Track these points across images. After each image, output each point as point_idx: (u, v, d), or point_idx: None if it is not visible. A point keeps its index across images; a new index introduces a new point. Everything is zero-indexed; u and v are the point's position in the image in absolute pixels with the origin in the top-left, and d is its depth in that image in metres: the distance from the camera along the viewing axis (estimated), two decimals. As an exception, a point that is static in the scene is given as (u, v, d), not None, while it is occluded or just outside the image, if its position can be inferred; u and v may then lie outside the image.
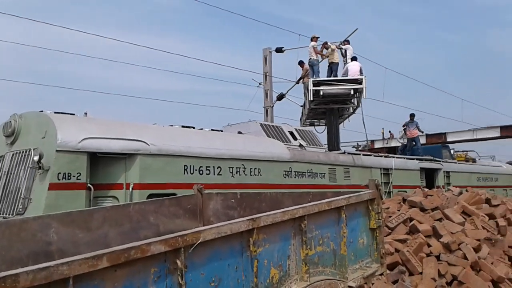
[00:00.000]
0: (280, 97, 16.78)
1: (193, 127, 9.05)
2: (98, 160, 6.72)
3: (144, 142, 7.14)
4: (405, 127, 16.08)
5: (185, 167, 7.63)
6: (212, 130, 9.54)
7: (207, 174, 7.92)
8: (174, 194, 6.44)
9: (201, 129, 9.27)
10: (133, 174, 6.93)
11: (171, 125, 8.93)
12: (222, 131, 10.22)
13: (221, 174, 8.15)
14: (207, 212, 4.94)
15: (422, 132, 16.86)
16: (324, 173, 10.23)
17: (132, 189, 6.82)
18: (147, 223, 4.34)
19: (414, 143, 15.86)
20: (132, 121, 8.23)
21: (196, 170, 7.78)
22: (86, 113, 7.76)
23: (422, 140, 28.74)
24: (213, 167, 8.02)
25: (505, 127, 29.84)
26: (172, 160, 7.47)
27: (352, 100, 13.82)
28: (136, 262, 2.04)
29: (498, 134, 29.80)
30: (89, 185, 6.48)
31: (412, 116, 16.01)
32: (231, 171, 8.31)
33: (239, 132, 10.57)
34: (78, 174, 6.39)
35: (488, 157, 26.00)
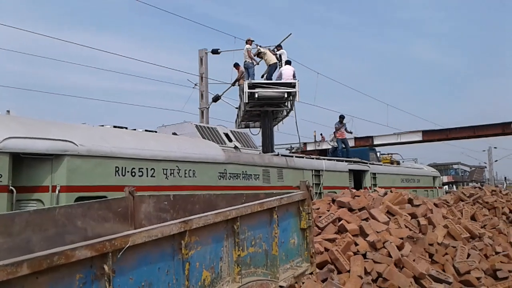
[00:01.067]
0: (216, 98, 16.77)
1: (126, 128, 8.80)
2: (22, 161, 6.32)
3: (72, 143, 6.83)
4: (336, 128, 16.68)
5: (117, 169, 7.39)
6: (146, 131, 9.33)
7: (139, 176, 7.72)
8: (105, 197, 6.22)
9: (134, 129, 9.03)
10: (59, 176, 6.60)
11: (102, 125, 8.62)
12: (156, 132, 10.03)
13: (154, 176, 7.98)
14: (138, 215, 4.83)
15: (351, 133, 17.55)
16: (258, 175, 10.36)
17: (59, 192, 6.49)
18: (74, 228, 4.16)
19: (344, 145, 16.50)
20: (61, 121, 7.85)
21: (128, 172, 7.56)
22: (8, 111, 7.29)
23: (351, 143, 30.08)
24: (146, 168, 7.84)
25: (426, 132, 31.99)
26: (103, 162, 7.20)
27: (286, 103, 14.11)
28: (60, 268, 1.95)
29: (420, 138, 31.87)
30: (11, 187, 6.08)
31: (341, 118, 16.57)
32: (165, 172, 8.17)
33: (174, 133, 10.44)
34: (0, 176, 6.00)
35: (411, 160, 27.73)
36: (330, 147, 17.38)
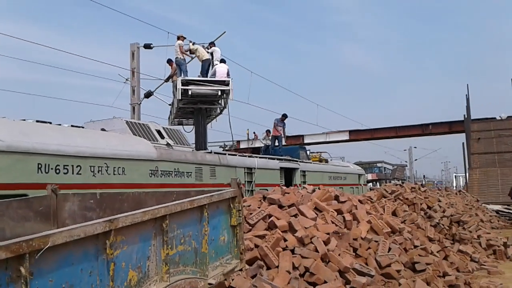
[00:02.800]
0: (148, 94, 16.39)
1: (50, 123, 8.35)
2: None
3: (-11, 138, 6.37)
4: (275, 124, 16.82)
5: (39, 166, 7.00)
6: (72, 126, 8.92)
7: (64, 173, 7.37)
8: (26, 196, 5.86)
9: (59, 125, 8.60)
10: (-26, 173, 6.15)
11: (24, 120, 8.12)
12: (83, 127, 9.61)
13: (81, 174, 7.65)
14: (62, 214, 4.60)
15: (284, 135, 17.83)
16: (191, 172, 10.29)
17: (-27, 190, 6.05)
18: (-10, 228, 3.89)
19: (277, 143, 16.78)
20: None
21: (52, 169, 7.19)
22: None
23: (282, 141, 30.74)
24: (72, 166, 7.50)
25: (353, 131, 33.52)
26: (24, 158, 6.79)
27: (220, 101, 14.13)
28: (-30, 271, 1.83)
29: (347, 137, 33.36)
30: None
31: (284, 116, 16.90)
32: (92, 170, 7.86)
33: (103, 129, 10.05)
34: None
35: (339, 158, 28.88)
36: (262, 145, 17.62)
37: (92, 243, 2.54)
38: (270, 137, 17.29)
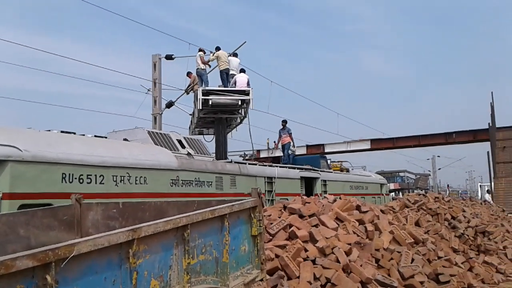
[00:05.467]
0: (169, 104, 16.60)
1: (74, 133, 8.52)
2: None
3: (17, 148, 6.54)
4: (280, 134, 16.34)
5: (63, 176, 7.14)
6: (95, 136, 9.08)
7: (88, 183, 7.49)
8: (50, 205, 5.99)
9: (83, 135, 8.77)
10: (2, 183, 6.30)
11: (49, 130, 8.31)
12: (106, 137, 9.78)
13: (103, 183, 7.77)
14: (85, 223, 4.69)
15: (292, 140, 16.80)
16: (211, 182, 10.33)
17: (1, 199, 6.20)
18: (16, 236, 3.98)
19: (282, 151, 16.39)
20: (5, 125, 7.50)
21: (75, 178, 7.32)
22: None
23: (303, 151, 30.64)
24: (95, 175, 7.62)
25: (374, 140, 33.16)
26: (49, 168, 6.94)
27: (240, 111, 14.20)
28: (-1, 279, 1.88)
29: (368, 146, 33.00)
30: None
31: (284, 122, 16.42)
32: (114, 179, 7.98)
33: (125, 139, 10.21)
34: None
35: (360, 167, 28.58)
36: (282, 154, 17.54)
37: (115, 252, 2.58)
38: (292, 147, 17.07)
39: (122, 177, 8.10)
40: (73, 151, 7.43)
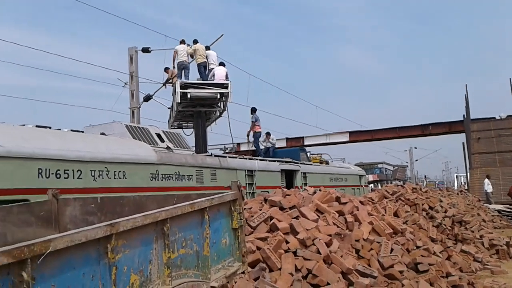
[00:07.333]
0: (147, 98, 16.41)
1: (50, 127, 8.35)
2: None
3: (-10, 143, 6.37)
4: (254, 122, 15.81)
5: (40, 171, 6.99)
6: (72, 131, 8.91)
7: (65, 178, 7.36)
8: (27, 201, 5.86)
9: (59, 129, 8.59)
10: (-25, 179, 6.14)
11: (23, 125, 8.12)
12: (83, 132, 9.61)
13: (81, 178, 7.64)
14: (63, 219, 4.60)
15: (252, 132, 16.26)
16: (192, 176, 10.27)
17: (-26, 196, 6.04)
18: (-9, 234, 3.88)
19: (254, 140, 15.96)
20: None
21: (52, 174, 7.18)
22: None
23: (283, 143, 30.76)
24: (73, 170, 7.49)
25: (353, 133, 33.54)
26: (24, 163, 6.78)
27: (219, 104, 14.13)
28: (-28, 277, 1.82)
29: (347, 139, 33.36)
30: None
31: (253, 110, 15.88)
32: (93, 174, 7.85)
33: (102, 133, 10.06)
34: None
35: (339, 159, 28.84)
36: (262, 147, 17.59)
37: (93, 247, 2.54)
38: (270, 139, 17.18)
39: (101, 172, 7.98)
40: (49, 146, 7.28)
